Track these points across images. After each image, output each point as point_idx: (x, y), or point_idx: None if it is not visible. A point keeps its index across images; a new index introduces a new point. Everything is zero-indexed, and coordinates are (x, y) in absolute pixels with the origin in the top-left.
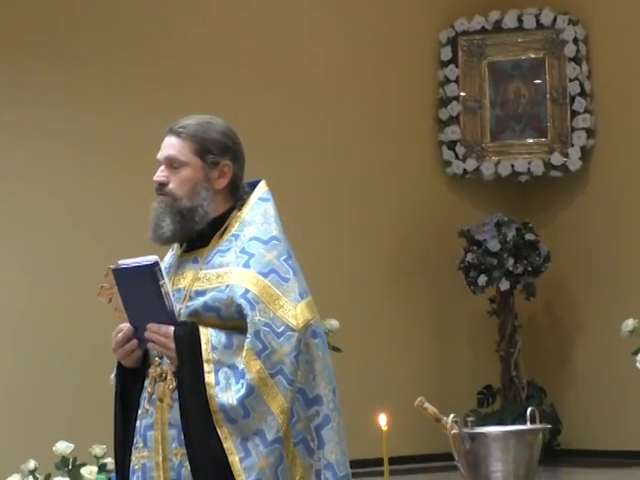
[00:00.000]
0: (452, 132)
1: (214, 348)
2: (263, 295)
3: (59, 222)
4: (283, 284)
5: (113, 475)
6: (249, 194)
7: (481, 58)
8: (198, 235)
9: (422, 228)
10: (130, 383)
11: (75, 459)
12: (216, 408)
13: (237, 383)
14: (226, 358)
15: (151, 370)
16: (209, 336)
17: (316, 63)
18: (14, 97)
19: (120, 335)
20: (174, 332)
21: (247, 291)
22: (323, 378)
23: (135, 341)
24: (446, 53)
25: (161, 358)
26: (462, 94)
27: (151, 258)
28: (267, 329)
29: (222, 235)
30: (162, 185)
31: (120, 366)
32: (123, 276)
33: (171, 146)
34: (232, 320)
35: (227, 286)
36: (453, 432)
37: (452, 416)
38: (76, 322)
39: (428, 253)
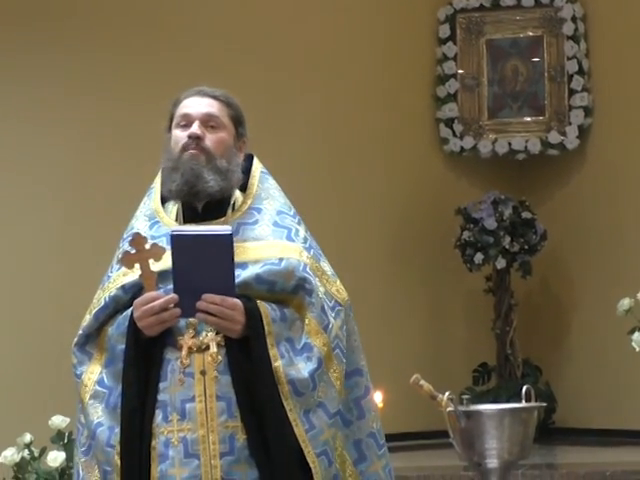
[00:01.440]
0: (450, 110)
1: (274, 321)
2: (314, 269)
3: (57, 199)
4: (320, 259)
5: None
6: (246, 170)
7: (479, 36)
8: (207, 207)
9: (418, 206)
10: (147, 354)
11: (71, 433)
12: (284, 380)
13: (300, 356)
14: (283, 331)
15: (185, 341)
16: (267, 309)
17: (312, 39)
18: (13, 75)
19: (158, 303)
20: (243, 304)
21: (305, 265)
22: (361, 351)
23: (178, 310)
24: (444, 30)
25: (195, 328)
26: (460, 72)
27: (224, 228)
28: (325, 304)
29: (234, 208)
30: (199, 139)
31: (135, 337)
32: (186, 243)
33: (210, 105)
34: (282, 294)
35: (281, 259)
36: (448, 410)
37: (447, 394)
38: (73, 294)
39: (424, 231)
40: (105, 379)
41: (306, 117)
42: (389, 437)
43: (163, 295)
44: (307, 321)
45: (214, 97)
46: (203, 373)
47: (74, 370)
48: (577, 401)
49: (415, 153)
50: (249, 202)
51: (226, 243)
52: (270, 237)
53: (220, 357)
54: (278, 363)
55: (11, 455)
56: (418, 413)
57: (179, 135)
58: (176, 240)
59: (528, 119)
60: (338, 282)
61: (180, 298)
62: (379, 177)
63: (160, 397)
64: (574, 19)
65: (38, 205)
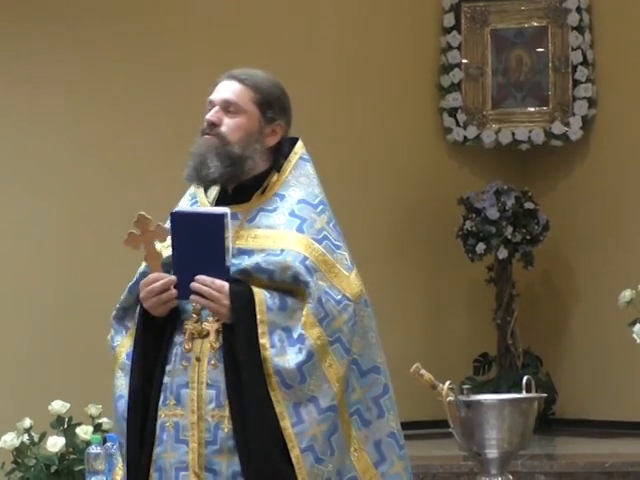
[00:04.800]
0: (453, 99)
1: (269, 309)
2: (319, 262)
3: (60, 175)
4: (336, 252)
5: (108, 435)
6: (287, 154)
7: (484, 25)
8: (236, 189)
9: (421, 195)
10: (155, 336)
11: (71, 418)
12: (271, 371)
13: (293, 347)
14: (280, 320)
15: (189, 326)
16: (263, 297)
17: (314, 27)
18: (17, 47)
19: (159, 284)
20: (230, 288)
21: (305, 258)
22: (378, 348)
23: (174, 291)
24: (449, 20)
25: (199, 314)
26: (464, 61)
27: (221, 209)
28: (327, 297)
29: (263, 193)
30: (214, 125)
31: (145, 317)
32: (184, 222)
33: (231, 91)
34: (284, 284)
35: (282, 250)
36: (449, 399)
37: (448, 383)
38: (74, 280)
39: (427, 220)
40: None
41: (307, 103)
42: None
43: (165, 276)
44: (304, 312)
45: (240, 80)
46: (198, 359)
47: (110, 342)
48: (577, 392)
49: (418, 142)
50: (276, 188)
51: (219, 224)
52: (282, 226)
53: (216, 344)
54: (267, 353)
55: (11, 440)
56: (418, 402)
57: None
58: (174, 219)
59: (532, 109)
60: (352, 276)
61: (178, 279)
62: (382, 166)
63: (165, 380)
64: (579, 10)
65: (42, 169)
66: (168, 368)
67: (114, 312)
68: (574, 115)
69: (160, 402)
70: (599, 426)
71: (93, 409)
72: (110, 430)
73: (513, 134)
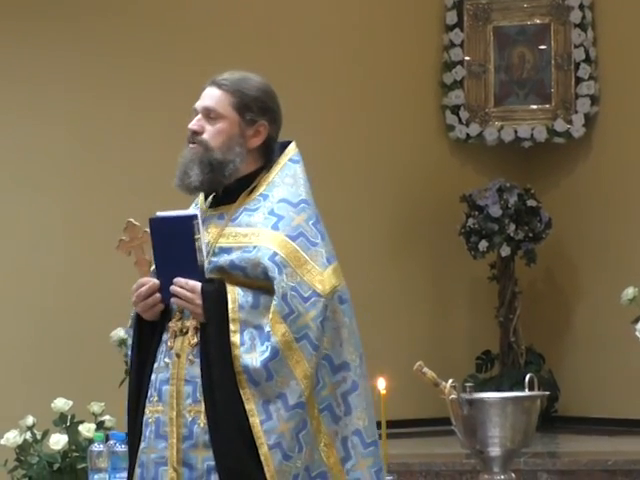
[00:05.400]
0: (456, 96)
1: (241, 307)
2: (290, 259)
3: (62, 171)
4: (311, 248)
5: (111, 433)
6: (279, 155)
7: (486, 22)
8: (225, 191)
9: (424, 192)
10: (148, 336)
11: (73, 416)
12: (240, 369)
13: (262, 345)
14: (252, 318)
15: (172, 324)
16: (236, 295)
17: (319, 24)
18: (17, 46)
19: (144, 289)
20: (202, 288)
21: (275, 254)
22: (350, 344)
23: (158, 295)
24: (451, 17)
25: (182, 312)
26: (467, 58)
27: (191, 211)
28: (294, 293)
29: (250, 194)
30: (196, 133)
31: (138, 319)
32: (159, 226)
33: (211, 97)
34: (259, 280)
35: (255, 247)
36: (451, 397)
37: (450, 381)
38: (77, 278)
39: (429, 218)
40: None
41: (309, 101)
42: (391, 424)
43: (151, 281)
44: (271, 309)
45: (219, 86)
46: (178, 356)
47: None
48: (580, 390)
49: (421, 140)
50: (262, 189)
51: (188, 225)
52: (259, 224)
53: (196, 340)
54: (237, 351)
55: (13, 437)
56: (421, 400)
57: None
58: (151, 224)
59: (534, 107)
60: (327, 272)
61: (160, 282)
62: (384, 164)
63: (152, 377)
64: (582, 7)
65: (45, 166)
66: (155, 365)
67: (129, 321)
68: (577, 112)
69: (147, 399)
70: (602, 424)
71: (96, 407)
72: (113, 428)
73: (516, 131)
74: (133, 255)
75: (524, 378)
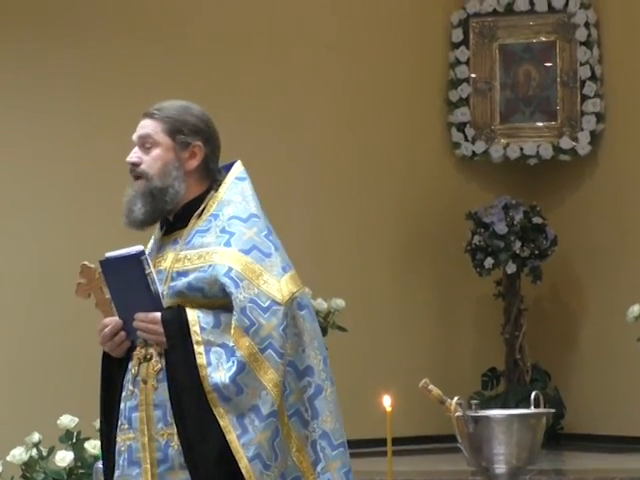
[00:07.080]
0: (462, 114)
1: (202, 329)
2: (246, 272)
3: (68, 189)
4: (265, 260)
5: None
6: (225, 176)
7: (492, 40)
8: (176, 217)
9: (430, 210)
10: (115, 367)
11: (79, 433)
12: (210, 388)
13: (228, 361)
14: (215, 337)
15: (136, 352)
16: (197, 317)
17: (326, 42)
18: (16, 67)
19: (108, 329)
20: (162, 316)
21: (230, 269)
22: (312, 349)
23: (123, 333)
24: (457, 35)
25: (145, 340)
26: (472, 76)
27: (137, 248)
28: (252, 305)
29: (200, 215)
30: (135, 165)
31: (104, 354)
32: (110, 267)
33: (143, 127)
34: (217, 299)
35: (210, 266)
36: (457, 414)
37: (456, 398)
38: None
39: (435, 235)
40: None
41: (318, 119)
42: (397, 441)
43: (114, 320)
44: (233, 324)
45: (150, 115)
46: (145, 382)
47: None
48: (586, 407)
49: (427, 157)
50: (211, 209)
51: (135, 262)
52: (212, 244)
53: (160, 365)
54: (205, 372)
55: (19, 454)
56: (427, 417)
57: None
58: (103, 265)
59: (540, 124)
60: (284, 280)
61: (124, 321)
62: (390, 181)
63: (121, 406)
64: (587, 25)
65: (49, 183)
66: (123, 394)
67: None
68: (582, 130)
69: (117, 428)
70: (607, 441)
71: None
72: None
73: (521, 149)
74: (93, 297)
75: (530, 395)
